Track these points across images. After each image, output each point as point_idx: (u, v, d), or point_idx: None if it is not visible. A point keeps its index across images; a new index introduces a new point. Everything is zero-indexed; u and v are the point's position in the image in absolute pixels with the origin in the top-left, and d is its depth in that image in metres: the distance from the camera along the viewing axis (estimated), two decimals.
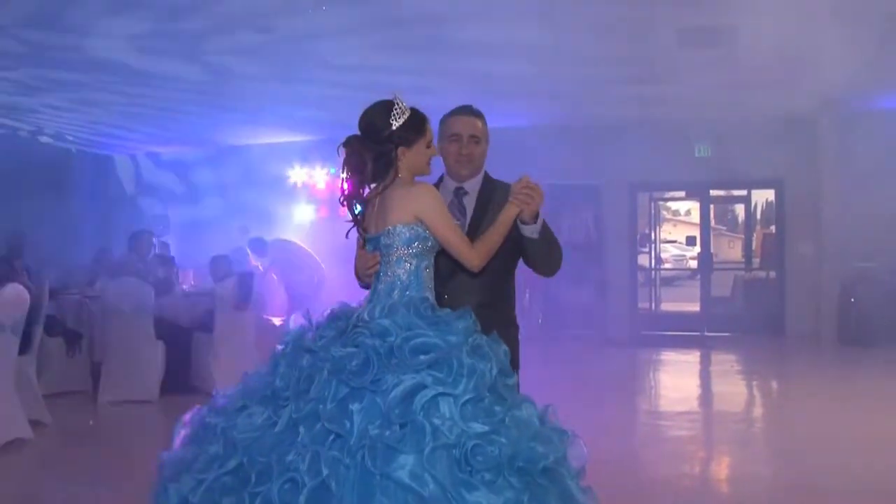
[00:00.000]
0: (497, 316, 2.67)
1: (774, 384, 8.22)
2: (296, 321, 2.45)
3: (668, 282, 16.87)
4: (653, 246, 12.60)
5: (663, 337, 10.79)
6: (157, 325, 6.47)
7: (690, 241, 14.33)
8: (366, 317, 2.34)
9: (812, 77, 8.41)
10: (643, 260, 12.53)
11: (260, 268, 8.33)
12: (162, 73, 8.36)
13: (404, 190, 2.48)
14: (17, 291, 4.87)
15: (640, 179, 11.07)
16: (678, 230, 23.97)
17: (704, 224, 11.64)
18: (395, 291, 2.43)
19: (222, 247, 9.10)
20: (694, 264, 14.12)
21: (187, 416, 2.39)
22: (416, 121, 2.53)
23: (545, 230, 2.67)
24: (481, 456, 2.03)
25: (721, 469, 5.04)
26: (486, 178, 2.91)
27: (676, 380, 8.56)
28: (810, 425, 5.78)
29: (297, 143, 11.94)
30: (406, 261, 2.46)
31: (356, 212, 2.55)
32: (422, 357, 2.15)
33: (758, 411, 7.07)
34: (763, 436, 6.00)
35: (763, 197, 12.53)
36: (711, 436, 5.96)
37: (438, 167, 2.83)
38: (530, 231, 2.62)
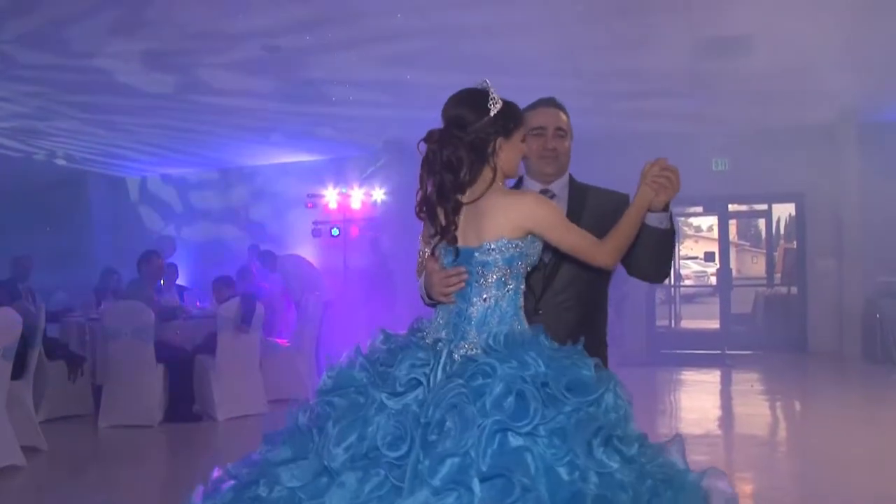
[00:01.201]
0: (593, 335, 2.33)
1: (797, 404, 7.91)
2: (349, 359, 2.04)
3: (689, 299, 16.59)
4: (672, 263, 12.33)
5: (682, 355, 10.50)
6: (159, 348, 6.35)
7: (709, 256, 14.02)
8: (480, 346, 1.96)
9: (832, 87, 8.21)
10: None
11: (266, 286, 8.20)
12: (170, 95, 8.35)
13: (505, 198, 2.11)
14: (8, 316, 4.77)
15: None
16: (700, 246, 23.62)
17: (723, 239, 11.39)
18: (493, 318, 2.05)
19: (232, 267, 9.03)
20: (715, 281, 13.83)
21: (199, 496, 1.94)
22: (513, 108, 2.18)
23: (673, 223, 2.34)
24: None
25: (742, 496, 4.79)
26: (573, 180, 2.60)
27: (695, 400, 8.28)
28: (835, 448, 5.49)
29: (307, 163, 11.88)
30: (507, 283, 2.08)
31: (451, 219, 2.09)
32: (579, 394, 1.82)
33: (780, 434, 6.77)
34: (786, 459, 5.71)
35: (786, 211, 12.26)
36: (732, 460, 5.68)
37: None
38: (658, 220, 2.27)
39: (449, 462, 1.71)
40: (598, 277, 2.42)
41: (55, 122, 9.60)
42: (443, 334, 2.05)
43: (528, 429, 1.74)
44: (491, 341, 1.96)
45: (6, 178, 12.05)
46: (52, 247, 11.81)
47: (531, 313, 2.22)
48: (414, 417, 1.80)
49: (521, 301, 2.12)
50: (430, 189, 2.12)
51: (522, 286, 2.13)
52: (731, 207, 11.68)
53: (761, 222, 13.48)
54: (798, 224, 10.86)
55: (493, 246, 2.07)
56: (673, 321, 12.62)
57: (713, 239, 11.86)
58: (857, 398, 7.77)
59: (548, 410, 1.77)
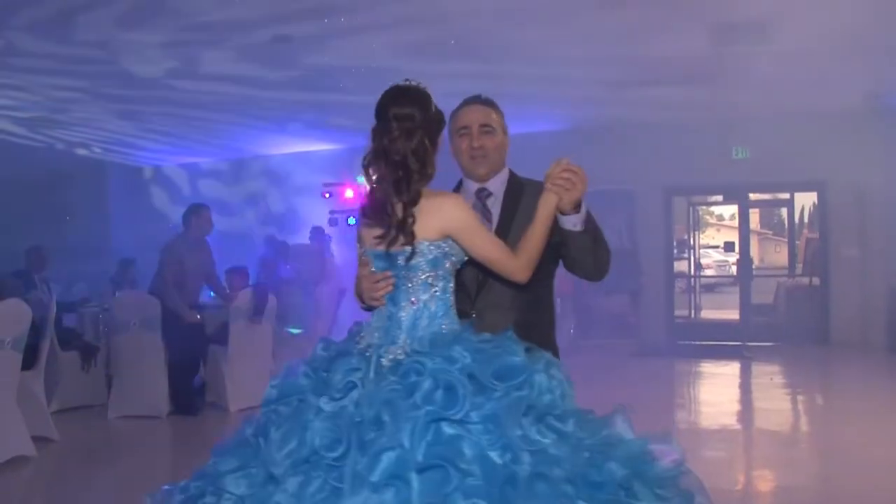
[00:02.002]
0: (535, 336, 2.20)
1: (819, 398, 7.75)
2: (288, 368, 2.06)
3: (710, 288, 16.41)
4: (691, 252, 12.18)
5: (701, 347, 10.34)
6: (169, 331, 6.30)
7: (729, 246, 13.82)
8: (407, 350, 1.98)
9: (854, 72, 7.98)
10: (682, 266, 12.12)
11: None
12: (185, 84, 8.33)
13: (427, 201, 2.08)
14: (16, 306, 4.76)
15: (675, 183, 10.68)
16: (721, 235, 23.36)
17: (743, 229, 11.19)
18: (423, 320, 2.06)
19: (247, 256, 9.01)
20: (736, 270, 13.64)
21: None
22: (441, 112, 2.20)
23: (590, 222, 2.27)
24: (602, 475, 1.80)
25: (762, 493, 4.67)
26: (512, 176, 2.52)
27: (714, 393, 8.14)
28: (859, 444, 5.32)
29: (324, 152, 11.83)
30: (432, 284, 2.09)
31: (409, 211, 2.06)
32: (506, 380, 1.85)
33: (801, 429, 6.59)
34: (807, 456, 5.53)
35: (809, 200, 12.03)
36: (750, 456, 5.56)
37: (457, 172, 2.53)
38: (572, 223, 2.22)
39: (386, 457, 1.73)
40: (540, 271, 2.29)
41: (73, 112, 9.63)
42: (375, 338, 2.06)
43: (460, 416, 1.77)
44: (416, 346, 1.99)
45: (27, 168, 12.12)
46: (72, 237, 11.89)
47: (466, 314, 2.22)
48: (349, 418, 1.83)
49: (452, 300, 2.13)
50: (383, 185, 2.08)
51: (451, 285, 2.13)
52: (752, 196, 11.47)
53: (784, 211, 13.26)
54: (821, 213, 10.65)
55: (415, 249, 2.06)
56: (693, 311, 12.46)
57: (735, 228, 11.66)
58: (881, 391, 7.55)
59: (477, 398, 1.81)
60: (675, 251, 12.08)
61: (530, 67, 7.79)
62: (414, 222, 2.05)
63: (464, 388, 1.81)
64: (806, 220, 13.53)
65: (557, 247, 2.31)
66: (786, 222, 12.44)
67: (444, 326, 2.07)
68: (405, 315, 2.06)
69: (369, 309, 2.17)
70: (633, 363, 9.46)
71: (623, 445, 1.92)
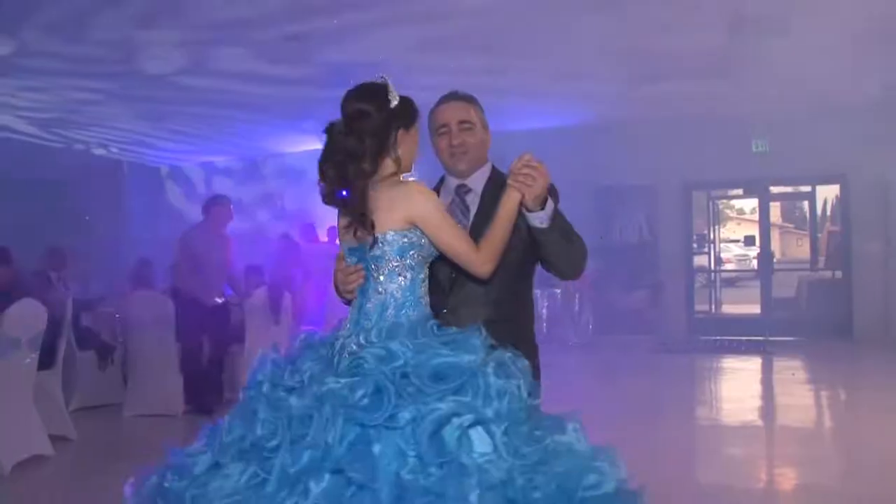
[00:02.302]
0: (511, 333, 2.21)
1: (842, 394, 7.61)
2: (261, 357, 2.05)
3: (731, 283, 16.22)
4: (712, 246, 12.04)
5: (722, 342, 10.22)
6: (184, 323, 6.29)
7: (749, 240, 13.63)
8: (361, 341, 1.99)
9: (876, 64, 7.83)
10: (702, 261, 12.00)
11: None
12: (200, 84, 8.34)
13: (393, 190, 2.10)
14: (32, 306, 4.77)
15: (695, 177, 10.56)
16: (742, 229, 23.06)
17: (763, 222, 11.05)
18: (389, 311, 2.06)
19: (266, 255, 9.01)
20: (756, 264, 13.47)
21: (130, 487, 2.01)
22: (410, 102, 2.19)
23: (558, 219, 2.23)
24: (539, 492, 1.73)
25: (784, 491, 4.58)
26: (494, 172, 2.49)
27: (735, 389, 8.01)
28: (883, 441, 5.21)
29: None
30: (399, 274, 2.09)
31: (361, 201, 2.07)
32: (443, 382, 1.81)
33: (824, 426, 6.47)
34: (830, 454, 5.38)
35: (831, 193, 11.84)
36: (772, 453, 5.46)
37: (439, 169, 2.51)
38: (538, 220, 2.20)
39: (307, 455, 1.76)
40: (517, 267, 2.32)
41: (90, 112, 9.68)
42: (346, 330, 2.08)
43: (379, 422, 1.75)
44: (374, 335, 1.98)
45: (46, 168, 12.22)
46: (90, 236, 11.96)
47: (437, 313, 2.18)
48: (287, 411, 1.85)
49: (423, 292, 2.12)
50: (333, 178, 2.11)
51: (422, 276, 2.13)
52: (773, 189, 11.32)
53: (806, 204, 13.07)
54: (842, 206, 10.49)
55: (382, 238, 2.07)
56: (713, 306, 12.32)
57: (757, 222, 11.50)
58: None
59: (403, 401, 1.78)
60: (696, 245, 11.96)
61: (546, 62, 7.72)
62: (365, 215, 2.06)
63: (389, 392, 1.79)
64: (828, 213, 13.31)
65: (533, 244, 2.29)
66: (807, 216, 12.25)
67: (411, 317, 2.06)
68: (372, 305, 2.08)
69: (348, 303, 2.19)
70: (653, 359, 9.37)
71: (565, 458, 1.85)
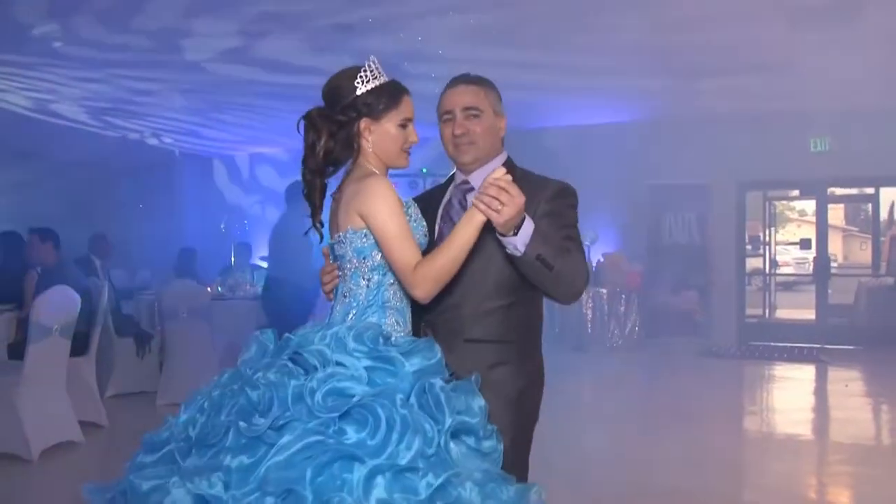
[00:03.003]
0: (497, 353, 2.04)
1: None
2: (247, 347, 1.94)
3: (789, 287, 15.68)
4: (767, 248, 11.62)
5: (774, 348, 9.84)
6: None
7: (805, 244, 13.11)
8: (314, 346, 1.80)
9: None
10: (757, 263, 11.57)
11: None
12: (251, 75, 8.36)
13: (354, 185, 1.96)
14: (64, 294, 4.80)
15: (749, 177, 10.17)
16: (802, 231, 22.32)
17: (821, 225, 10.58)
18: (351, 315, 1.92)
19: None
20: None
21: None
22: (390, 89, 2.00)
23: (538, 244, 1.91)
24: None
25: None
26: (505, 166, 2.13)
27: (785, 399, 7.66)
28: None
29: None
30: (362, 276, 1.94)
31: (315, 202, 2.01)
32: (333, 404, 1.64)
33: (882, 442, 6.08)
34: (887, 473, 4.94)
35: None
36: (823, 472, 5.15)
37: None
38: (511, 246, 1.91)
39: (210, 453, 1.70)
40: (508, 279, 2.04)
41: (143, 102, 9.81)
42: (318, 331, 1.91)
43: (256, 433, 1.64)
44: (326, 342, 1.79)
45: (101, 157, 12.49)
46: (144, 225, 12.19)
47: (416, 328, 2.02)
48: (205, 409, 1.80)
49: (391, 296, 1.94)
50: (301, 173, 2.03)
51: (389, 279, 1.94)
52: (834, 191, 10.84)
53: (870, 207, 12.50)
54: None
55: (343, 237, 1.95)
56: (767, 311, 11.88)
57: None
58: None
59: (284, 418, 1.65)
60: (750, 247, 11.55)
61: (595, 57, 7.50)
62: (314, 211, 2.00)
63: (266, 410, 1.66)
64: (895, 217, 12.73)
65: None
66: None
67: (357, 325, 1.87)
68: (339, 308, 1.96)
69: None
70: (701, 364, 9.06)
71: None
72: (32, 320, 4.58)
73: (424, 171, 10.44)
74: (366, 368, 1.73)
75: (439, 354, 1.82)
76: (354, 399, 1.65)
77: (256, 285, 7.60)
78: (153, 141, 12.61)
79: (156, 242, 11.81)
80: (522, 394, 2.06)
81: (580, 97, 9.15)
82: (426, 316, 2.08)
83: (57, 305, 4.72)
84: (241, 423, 1.66)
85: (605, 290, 9.96)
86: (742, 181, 10.27)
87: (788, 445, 5.61)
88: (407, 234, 1.89)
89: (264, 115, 10.61)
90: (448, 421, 1.67)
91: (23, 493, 4.34)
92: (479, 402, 1.79)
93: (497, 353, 2.05)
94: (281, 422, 1.64)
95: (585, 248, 8.97)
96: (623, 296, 9.97)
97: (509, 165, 2.19)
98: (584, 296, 9.71)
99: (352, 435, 1.62)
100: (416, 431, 1.61)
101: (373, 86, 1.98)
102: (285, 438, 1.61)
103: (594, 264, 10.40)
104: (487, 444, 1.77)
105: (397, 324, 1.94)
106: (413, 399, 1.69)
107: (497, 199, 1.81)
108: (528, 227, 1.91)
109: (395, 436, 1.59)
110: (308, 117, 2.00)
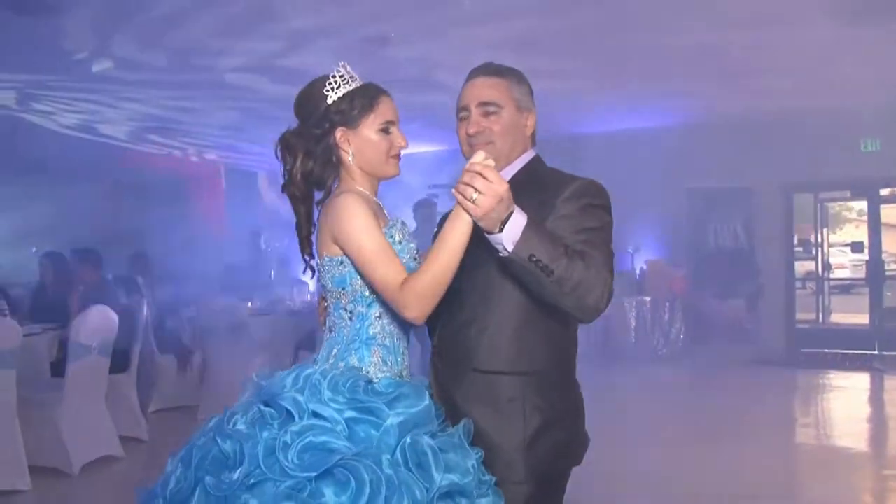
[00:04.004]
0: (518, 385, 1.77)
1: None
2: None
3: (846, 290, 15.17)
4: (819, 251, 11.27)
5: (827, 356, 9.52)
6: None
7: (857, 247, 12.69)
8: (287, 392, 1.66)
9: None
10: (809, 267, 11.22)
11: None
12: (286, 93, 8.43)
13: (328, 204, 1.77)
14: (103, 313, 4.90)
15: (796, 178, 9.89)
16: (861, 232, 21.61)
17: (873, 227, 10.22)
18: (334, 352, 1.74)
19: None
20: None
21: None
22: (364, 91, 1.80)
23: (531, 248, 1.60)
24: None
25: None
26: (532, 165, 1.92)
27: (839, 410, 7.38)
28: None
29: (429, 154, 11.76)
30: (344, 308, 1.74)
31: (303, 226, 1.87)
32: (310, 462, 1.49)
33: None
34: None
35: None
36: (882, 486, 4.91)
37: None
38: (497, 244, 1.62)
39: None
40: (525, 297, 1.75)
41: (184, 122, 10.03)
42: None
43: (223, 491, 1.55)
44: (290, 380, 1.68)
45: (148, 174, 12.79)
46: (188, 240, 12.39)
47: (433, 352, 1.86)
48: (184, 460, 1.74)
49: (377, 332, 1.74)
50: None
51: (375, 311, 1.74)
52: (884, 192, 10.46)
53: None
54: None
55: (321, 264, 1.76)
56: (821, 316, 11.51)
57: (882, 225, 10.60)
58: None
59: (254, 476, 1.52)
60: (801, 250, 11.22)
61: (636, 61, 7.38)
62: (309, 235, 1.84)
63: (236, 465, 1.56)
64: None
65: None
66: None
67: (349, 362, 1.72)
68: (325, 344, 1.78)
69: None
70: (749, 372, 8.82)
71: None
72: (72, 340, 4.69)
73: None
74: (346, 420, 1.57)
75: (427, 400, 1.66)
76: (336, 458, 1.49)
77: (296, 300, 7.66)
78: (196, 158, 12.86)
79: (200, 258, 12.00)
80: (541, 434, 1.76)
81: (619, 102, 9.02)
82: (433, 341, 1.90)
83: (95, 325, 4.82)
84: (209, 479, 1.55)
85: (648, 298, 9.79)
86: (788, 183, 9.99)
87: (842, 458, 5.38)
88: (385, 252, 1.66)
89: None
90: (437, 481, 1.52)
91: None
92: (470, 460, 1.62)
93: (511, 387, 1.77)
94: (252, 480, 1.51)
95: (628, 256, 8.67)
96: (667, 303, 9.77)
97: (535, 165, 1.94)
98: (627, 304, 9.64)
99: (330, 498, 1.46)
100: (404, 495, 1.47)
101: (344, 91, 1.79)
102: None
103: (637, 272, 10.23)
104: (484, 502, 1.61)
105: (384, 363, 1.74)
106: (398, 456, 1.54)
107: (471, 185, 1.56)
108: (518, 221, 1.61)
109: (380, 501, 1.45)
110: (282, 140, 1.82)
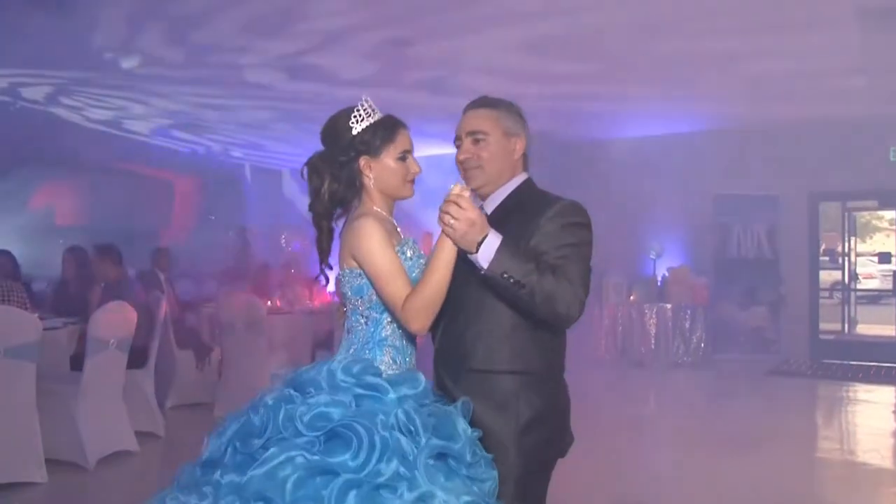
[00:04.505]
0: (508, 383, 1.97)
1: None
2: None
3: (875, 300, 14.92)
4: (846, 260, 11.10)
5: (850, 367, 9.36)
6: None
7: (884, 258, 12.49)
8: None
9: None
10: (835, 277, 11.06)
11: None
12: (310, 92, 8.49)
13: (350, 225, 2.03)
14: (121, 309, 4.94)
15: (822, 187, 9.75)
16: (892, 242, 21.27)
17: None
18: (351, 350, 1.99)
19: None
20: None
21: None
22: (386, 124, 2.05)
23: (503, 265, 1.85)
24: None
25: None
26: (520, 189, 2.13)
27: (863, 424, 7.20)
28: None
29: (446, 156, 11.77)
30: (361, 314, 2.00)
31: (322, 246, 2.11)
32: (319, 425, 1.75)
33: None
34: None
35: None
36: None
37: None
38: (476, 262, 1.88)
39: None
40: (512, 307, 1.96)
41: (209, 119, 10.11)
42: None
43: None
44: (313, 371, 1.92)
45: (175, 172, 12.94)
46: (211, 237, 12.51)
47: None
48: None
49: (388, 334, 1.99)
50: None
51: (388, 316, 1.98)
52: None
53: None
54: None
55: (342, 276, 2.01)
56: (847, 326, 11.34)
57: None
58: None
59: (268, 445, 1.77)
60: (827, 259, 11.06)
61: (659, 67, 7.32)
62: (321, 254, 2.09)
63: (262, 433, 1.80)
64: None
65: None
66: None
67: (378, 362, 1.97)
68: (344, 344, 2.03)
69: None
70: (771, 382, 8.70)
71: None
72: (90, 335, 4.74)
73: None
74: (354, 397, 1.82)
75: (423, 384, 1.90)
76: (338, 419, 1.74)
77: (314, 299, 7.68)
78: (221, 155, 12.97)
79: (222, 254, 12.10)
80: (532, 427, 1.97)
81: (645, 107, 8.95)
82: (435, 346, 2.11)
83: (113, 321, 4.87)
84: (238, 443, 1.82)
85: (669, 305, 9.70)
86: (814, 191, 9.85)
87: (865, 474, 5.25)
88: (395, 272, 1.93)
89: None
90: (424, 441, 1.74)
91: (79, 499, 4.49)
92: (462, 425, 1.82)
93: (505, 384, 1.98)
94: (272, 443, 1.77)
95: (650, 262, 8.63)
96: (688, 311, 9.67)
97: (525, 188, 2.15)
98: (647, 310, 9.56)
99: (337, 453, 1.71)
100: (395, 452, 1.71)
101: (367, 123, 2.04)
102: (270, 451, 1.73)
103: (659, 279, 10.14)
104: (476, 472, 1.81)
105: (394, 362, 1.98)
106: (393, 421, 1.76)
107: (448, 213, 1.83)
108: (492, 243, 1.86)
109: (375, 455, 1.69)
110: (310, 163, 2.08)
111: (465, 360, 2.01)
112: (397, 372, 1.96)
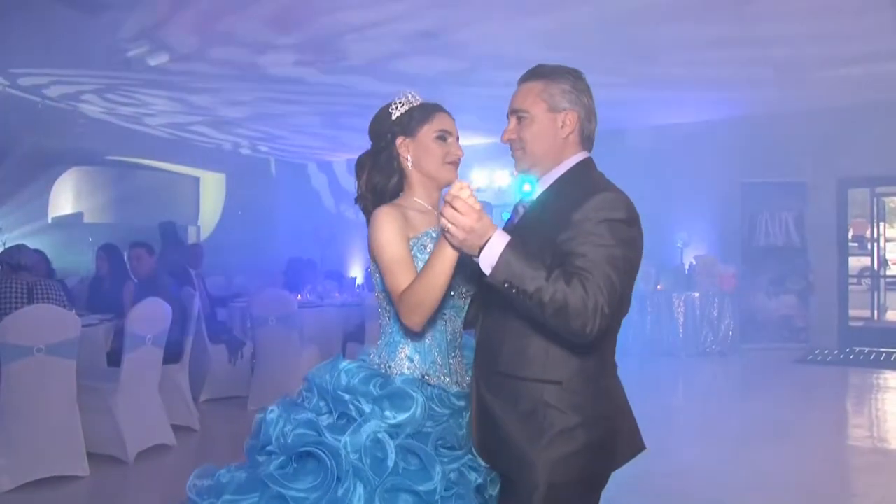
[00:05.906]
0: (538, 393, 1.76)
1: None
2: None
3: None
4: (875, 246, 10.98)
5: (881, 354, 9.27)
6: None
7: None
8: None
9: None
10: (865, 263, 10.93)
11: None
12: (336, 83, 8.53)
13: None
14: (156, 305, 5.03)
15: (850, 173, 9.64)
16: None
17: None
18: (384, 348, 1.96)
19: None
20: None
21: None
22: (423, 106, 2.02)
23: (505, 273, 1.64)
24: None
25: None
26: (570, 173, 1.88)
27: (892, 412, 7.16)
28: None
29: (484, 146, 11.76)
30: (384, 308, 1.98)
31: None
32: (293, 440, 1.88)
33: None
34: None
35: None
36: None
37: None
38: (481, 265, 1.69)
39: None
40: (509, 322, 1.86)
41: (234, 114, 10.19)
42: None
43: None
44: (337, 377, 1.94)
45: (198, 167, 13.07)
46: (242, 231, 12.64)
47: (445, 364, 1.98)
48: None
49: (416, 335, 1.93)
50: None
51: None
52: None
53: None
54: None
55: (371, 270, 1.98)
56: (876, 313, 11.23)
57: None
58: None
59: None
60: (856, 245, 10.94)
61: (685, 52, 7.26)
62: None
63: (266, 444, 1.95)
64: None
65: None
66: None
67: (387, 355, 1.96)
68: (381, 341, 2.00)
69: None
70: (800, 370, 8.64)
71: None
72: (127, 331, 4.83)
73: None
74: (326, 427, 1.84)
75: (408, 413, 1.82)
76: (310, 441, 1.83)
77: (345, 293, 7.75)
78: (247, 151, 13.07)
79: (251, 248, 12.22)
80: (559, 441, 1.75)
81: (673, 95, 8.89)
82: (475, 339, 1.98)
83: (149, 317, 4.96)
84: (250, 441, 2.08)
85: (697, 294, 9.66)
86: (843, 177, 9.74)
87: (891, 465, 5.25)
88: (397, 263, 1.83)
89: (351, 120, 10.78)
90: (381, 480, 1.74)
91: (120, 492, 4.60)
92: (434, 469, 1.76)
93: (530, 392, 1.77)
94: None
95: (677, 251, 8.46)
96: (717, 299, 9.63)
97: (579, 169, 1.90)
98: (675, 299, 9.53)
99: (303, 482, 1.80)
100: (358, 481, 1.75)
101: (406, 108, 2.01)
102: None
103: (686, 267, 10.10)
104: (474, 475, 1.84)
105: (410, 360, 1.92)
106: (361, 452, 1.78)
107: (444, 217, 1.67)
108: (495, 247, 1.65)
109: (340, 487, 1.75)
110: (357, 160, 2.09)
111: (494, 361, 1.84)
112: (406, 376, 1.89)
